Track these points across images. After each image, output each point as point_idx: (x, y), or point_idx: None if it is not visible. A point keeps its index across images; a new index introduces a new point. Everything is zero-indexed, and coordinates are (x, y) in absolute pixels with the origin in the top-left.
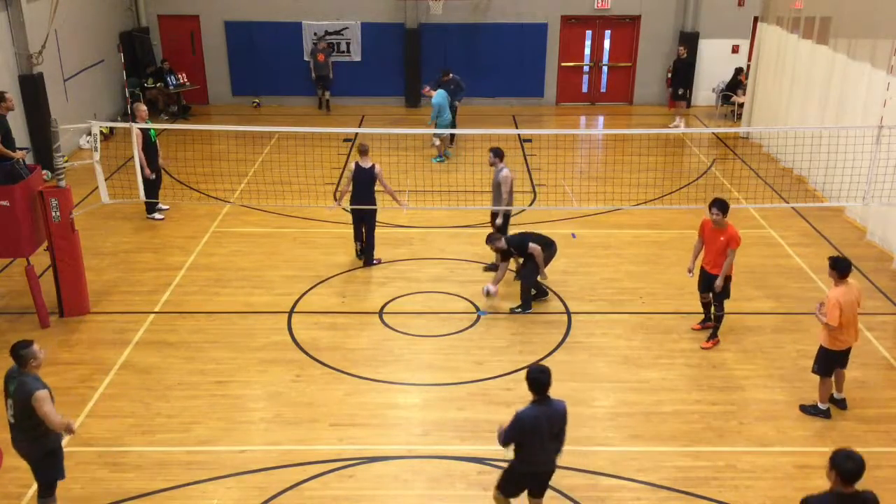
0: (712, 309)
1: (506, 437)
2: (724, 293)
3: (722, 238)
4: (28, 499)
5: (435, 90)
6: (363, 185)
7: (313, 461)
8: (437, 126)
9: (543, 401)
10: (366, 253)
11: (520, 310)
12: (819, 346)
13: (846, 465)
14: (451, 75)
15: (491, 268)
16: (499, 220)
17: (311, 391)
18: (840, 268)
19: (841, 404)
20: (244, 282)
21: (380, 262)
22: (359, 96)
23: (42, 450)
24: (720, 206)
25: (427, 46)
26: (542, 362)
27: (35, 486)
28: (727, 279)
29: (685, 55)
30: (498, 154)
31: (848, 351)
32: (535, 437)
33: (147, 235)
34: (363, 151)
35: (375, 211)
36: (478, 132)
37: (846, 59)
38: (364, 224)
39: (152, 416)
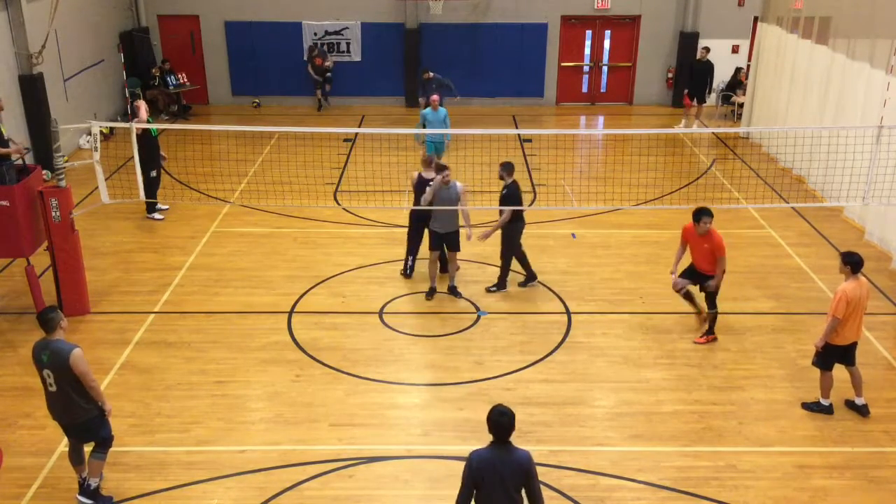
0: (692, 304)
1: (462, 484)
2: (714, 292)
3: (706, 245)
4: (28, 498)
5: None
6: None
7: (313, 461)
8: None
9: (502, 445)
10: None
11: (495, 288)
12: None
13: (854, 259)
14: (430, 74)
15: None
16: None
17: (311, 391)
18: (853, 262)
19: (862, 410)
20: (244, 282)
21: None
22: (359, 96)
23: (96, 406)
24: (710, 213)
25: (427, 46)
26: (542, 362)
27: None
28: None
29: (705, 58)
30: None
31: (850, 347)
32: (486, 484)
33: (147, 235)
34: (429, 162)
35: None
36: (478, 132)
37: (845, 59)
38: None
39: (152, 416)
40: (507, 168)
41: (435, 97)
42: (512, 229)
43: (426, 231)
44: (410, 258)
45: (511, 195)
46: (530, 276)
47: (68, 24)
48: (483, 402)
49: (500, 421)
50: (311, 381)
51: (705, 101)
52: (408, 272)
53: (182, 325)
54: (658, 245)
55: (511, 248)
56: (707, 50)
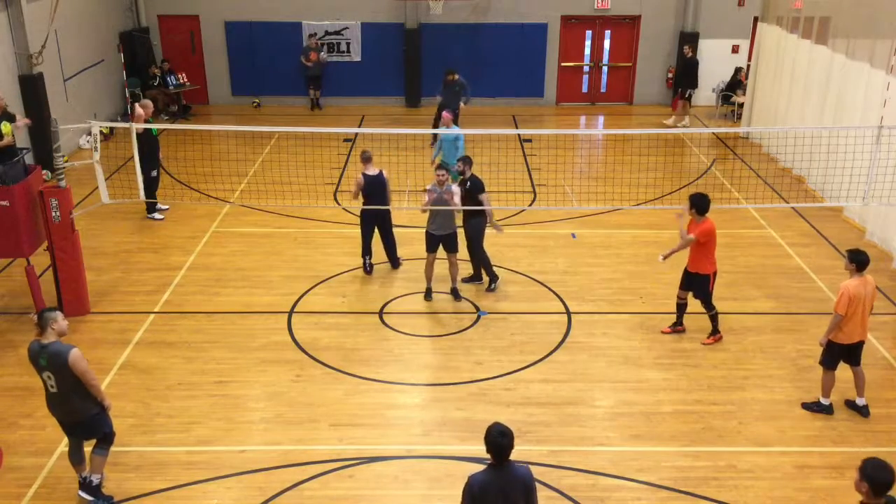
0: (677, 317)
1: None
2: (703, 293)
3: (697, 232)
4: (28, 498)
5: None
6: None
7: (313, 461)
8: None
9: (500, 466)
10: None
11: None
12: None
13: (861, 258)
14: (455, 76)
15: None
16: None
17: (311, 391)
18: (858, 261)
19: (863, 411)
20: (244, 282)
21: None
22: (359, 96)
23: (96, 403)
24: (695, 203)
25: (427, 46)
26: (542, 362)
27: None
28: (705, 278)
29: (690, 55)
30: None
31: (856, 347)
32: None
33: (147, 235)
34: (367, 159)
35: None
36: (478, 132)
37: (845, 59)
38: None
39: (152, 416)
40: (467, 161)
41: (447, 114)
42: (474, 225)
43: (375, 230)
44: (367, 257)
45: (476, 185)
46: (476, 277)
47: (68, 24)
48: (483, 403)
49: (501, 442)
50: (311, 381)
51: (689, 97)
52: (368, 269)
53: (182, 325)
54: (658, 245)
55: (478, 244)
56: (692, 48)
